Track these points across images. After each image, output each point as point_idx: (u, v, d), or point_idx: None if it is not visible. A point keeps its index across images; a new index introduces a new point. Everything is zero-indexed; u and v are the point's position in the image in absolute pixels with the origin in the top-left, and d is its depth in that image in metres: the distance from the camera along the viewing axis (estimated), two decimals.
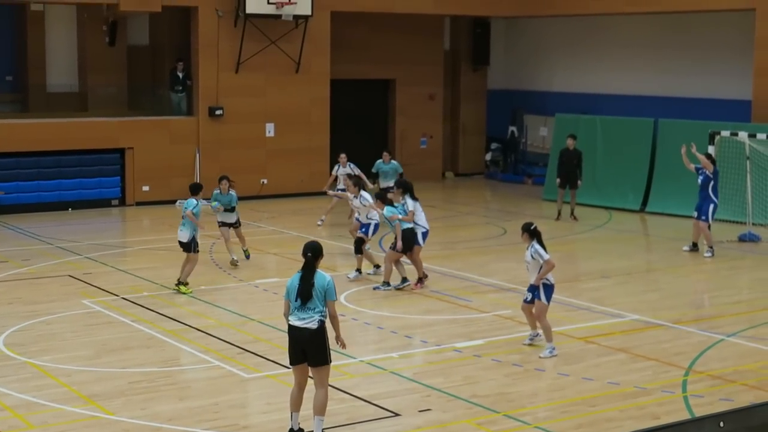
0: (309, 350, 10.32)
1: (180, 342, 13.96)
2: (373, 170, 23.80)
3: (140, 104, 28.95)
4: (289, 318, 10.45)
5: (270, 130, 28.30)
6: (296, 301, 10.42)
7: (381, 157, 23.96)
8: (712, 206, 20.23)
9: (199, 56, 27.34)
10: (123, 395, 11.78)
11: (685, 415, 10.97)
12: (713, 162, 20.40)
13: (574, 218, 24.42)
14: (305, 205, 26.35)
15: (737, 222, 22.80)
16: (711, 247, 20.25)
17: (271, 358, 13.17)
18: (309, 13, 27.51)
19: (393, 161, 24.05)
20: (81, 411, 11.23)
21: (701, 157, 20.37)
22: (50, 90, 29.16)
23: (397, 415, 11.19)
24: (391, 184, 21.81)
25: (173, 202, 26.80)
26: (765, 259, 20.60)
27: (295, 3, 27.01)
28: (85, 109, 28.65)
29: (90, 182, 26.38)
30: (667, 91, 28.45)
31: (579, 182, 24.57)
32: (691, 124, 25.36)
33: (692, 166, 20.57)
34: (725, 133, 22.22)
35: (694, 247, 20.61)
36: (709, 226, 20.33)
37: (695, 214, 20.45)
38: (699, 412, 10.91)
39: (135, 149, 26.76)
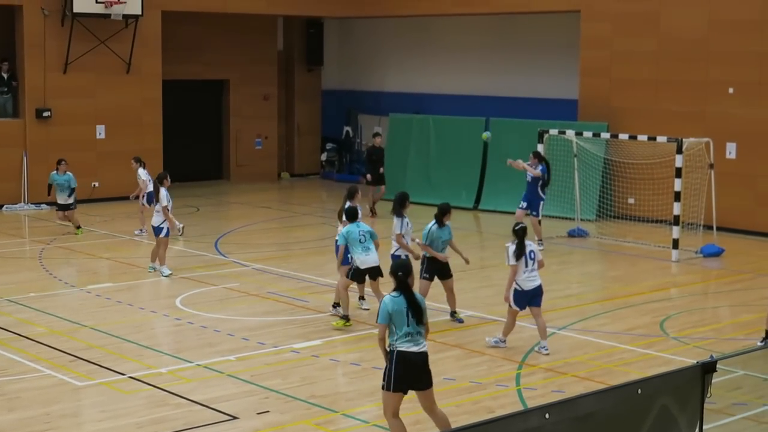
0: (423, 375, 9.92)
1: (8, 351, 13.51)
2: (49, 182, 22.78)
3: None
4: (400, 344, 9.78)
5: (101, 132, 27.69)
6: (409, 325, 9.79)
7: (56, 169, 22.54)
8: (541, 203, 20.86)
9: (25, 56, 26.55)
10: None
11: (519, 408, 11.23)
12: (542, 160, 20.94)
13: (373, 214, 24.97)
14: (137, 208, 25.84)
15: (566, 218, 23.46)
16: (540, 241, 20.78)
17: (105, 365, 12.88)
18: (139, 12, 27.05)
19: (68, 173, 22.54)
20: None
21: (531, 159, 20.92)
22: None
23: (235, 418, 11.09)
24: (70, 199, 21.79)
25: (0, 207, 26.03)
26: (593, 253, 21.26)
27: (125, 2, 26.53)
28: None
29: None
30: (497, 91, 29.06)
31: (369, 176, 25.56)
32: (521, 123, 25.99)
33: (522, 165, 21.07)
34: (553, 132, 22.83)
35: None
36: (539, 222, 20.89)
37: (523, 204, 21.00)
38: (532, 404, 11.15)
39: None
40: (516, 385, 12.28)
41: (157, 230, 18.22)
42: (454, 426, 9.95)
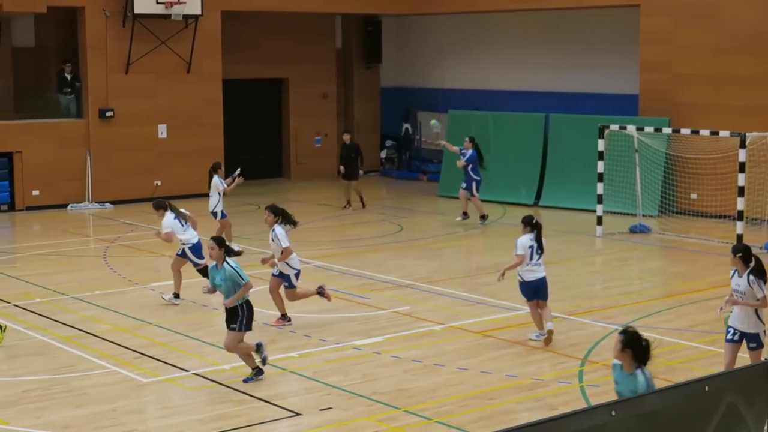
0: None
1: (75, 348, 13.71)
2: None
3: (28, 107, 28.30)
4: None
5: (162, 131, 27.97)
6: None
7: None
8: (475, 183, 23.36)
9: (87, 57, 26.89)
10: (16, 404, 11.53)
11: (581, 405, 11.17)
12: (474, 144, 23.46)
13: (363, 205, 25.88)
14: (199, 206, 26.05)
15: (628, 214, 23.27)
16: (483, 216, 23.43)
17: (169, 362, 13.02)
18: (199, 12, 27.27)
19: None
20: None
21: (465, 143, 23.46)
22: None
23: (297, 414, 11.16)
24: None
25: (64, 206, 26.41)
26: (655, 249, 21.08)
27: (185, 2, 26.75)
28: None
29: None
30: (556, 86, 28.90)
31: (360, 173, 26.11)
32: (581, 118, 25.81)
33: (455, 148, 23.68)
34: (614, 127, 22.66)
35: (465, 216, 23.57)
36: (478, 198, 23.40)
37: (463, 185, 23.45)
38: (595, 402, 11.10)
39: (23, 153, 26.20)
40: (578, 382, 12.21)
41: (214, 215, 19.19)
42: (516, 423, 9.93)
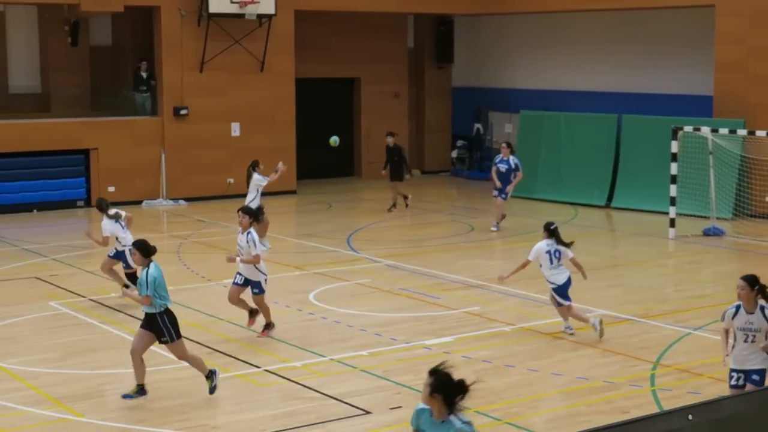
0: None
1: None
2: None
3: (104, 105, 28.79)
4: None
5: (236, 129, 28.23)
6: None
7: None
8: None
9: (163, 56, 27.24)
10: (92, 397, 11.73)
11: (653, 409, 11.09)
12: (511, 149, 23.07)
13: (406, 205, 25.61)
14: (272, 204, 26.27)
15: (701, 216, 23.00)
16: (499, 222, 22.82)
17: (241, 358, 13.16)
18: (272, 12, 27.47)
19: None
20: (50, 413, 11.18)
21: (504, 150, 22.85)
22: (12, 91, 28.93)
23: (367, 412, 11.21)
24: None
25: (139, 202, 26.78)
26: (728, 252, 20.81)
27: (259, 2, 26.98)
28: (48, 110, 28.45)
29: (54, 183, 26.23)
30: (628, 87, 28.64)
31: (406, 176, 25.82)
32: (654, 119, 25.58)
33: (494, 173, 22.69)
34: (688, 129, 22.42)
35: (499, 222, 22.88)
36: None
37: (498, 194, 22.69)
38: (667, 406, 11.01)
39: (99, 150, 26.63)
40: (650, 386, 12.11)
41: None
42: (589, 426, 9.89)
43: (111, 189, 26.64)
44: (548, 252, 13.96)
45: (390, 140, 26.10)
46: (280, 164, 21.12)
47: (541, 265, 14.10)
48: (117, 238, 16.30)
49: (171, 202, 27.20)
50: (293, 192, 28.64)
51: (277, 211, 24.76)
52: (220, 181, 27.84)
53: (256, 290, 14.16)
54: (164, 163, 27.31)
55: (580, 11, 29.03)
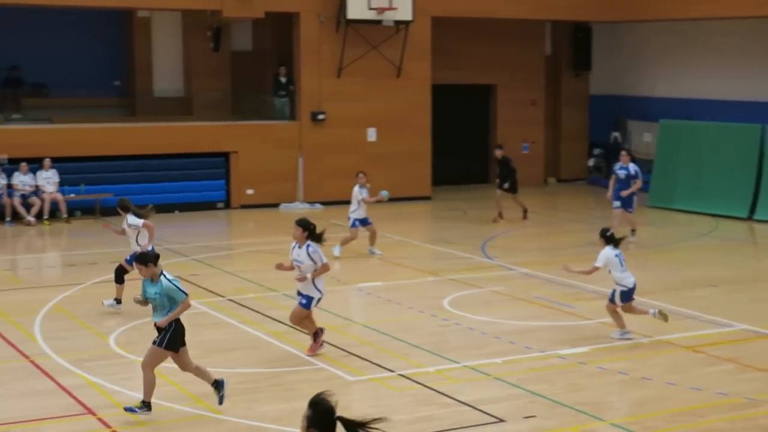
0: None
1: (285, 344, 14.10)
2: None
3: (244, 109, 29.36)
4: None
5: (372, 134, 28.44)
6: None
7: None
8: (635, 197, 22.53)
9: (302, 61, 27.62)
10: (230, 395, 11.90)
11: None
12: (633, 159, 22.80)
13: (524, 217, 25.35)
14: (406, 209, 26.43)
15: None
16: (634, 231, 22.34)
17: (375, 362, 13.23)
18: (410, 18, 27.60)
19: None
20: (189, 409, 11.42)
21: (623, 157, 22.67)
22: (157, 95, 29.75)
23: (501, 420, 11.14)
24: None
25: (276, 205, 27.20)
26: None
27: (396, 9, 27.13)
28: (190, 113, 29.14)
29: (196, 185, 26.86)
30: None
31: (504, 185, 25.13)
32: None
33: (612, 181, 22.52)
34: None
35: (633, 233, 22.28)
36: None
37: (617, 204, 22.40)
38: None
39: (239, 153, 27.14)
40: None
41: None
42: None
43: (249, 191, 27.14)
44: (617, 256, 14.29)
45: (498, 153, 25.69)
46: (385, 193, 21.02)
47: (610, 271, 14.34)
48: (135, 241, 15.73)
49: (307, 205, 27.55)
50: (428, 198, 28.70)
51: (411, 216, 24.89)
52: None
53: (303, 302, 13.38)
54: (301, 167, 27.67)
55: (724, 18, 28.36)
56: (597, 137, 33.27)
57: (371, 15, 27.15)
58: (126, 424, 10.95)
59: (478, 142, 32.30)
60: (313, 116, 27.67)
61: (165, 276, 11.11)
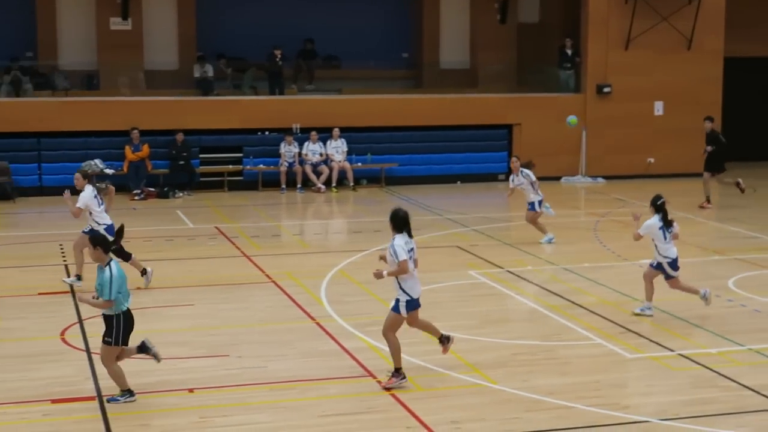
0: None
1: (562, 317, 14.04)
2: None
3: (528, 81, 29.32)
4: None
5: (659, 108, 27.75)
6: None
7: None
8: None
9: (589, 33, 27.28)
10: (505, 366, 12.01)
11: None
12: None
13: (742, 191, 23.35)
14: (690, 186, 25.62)
15: None
16: None
17: (655, 340, 12.96)
18: None
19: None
20: (465, 378, 11.57)
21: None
22: (443, 67, 30.18)
23: None
24: None
25: (558, 178, 27.07)
26: None
27: None
28: (475, 85, 29.39)
29: (478, 156, 27.13)
30: None
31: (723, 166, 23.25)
32: None
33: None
34: None
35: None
36: None
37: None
38: None
39: (522, 125, 27.15)
40: None
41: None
42: None
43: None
44: (661, 228, 13.88)
45: (708, 125, 23.50)
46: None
47: (653, 240, 13.95)
48: (90, 214, 14.90)
49: (589, 179, 27.26)
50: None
51: (698, 193, 24.10)
52: (639, 161, 27.53)
53: (393, 305, 11.38)
54: (585, 141, 27.37)
55: None
56: None
57: None
58: (403, 389, 11.21)
59: None
60: (599, 89, 27.28)
61: (111, 270, 10.46)
